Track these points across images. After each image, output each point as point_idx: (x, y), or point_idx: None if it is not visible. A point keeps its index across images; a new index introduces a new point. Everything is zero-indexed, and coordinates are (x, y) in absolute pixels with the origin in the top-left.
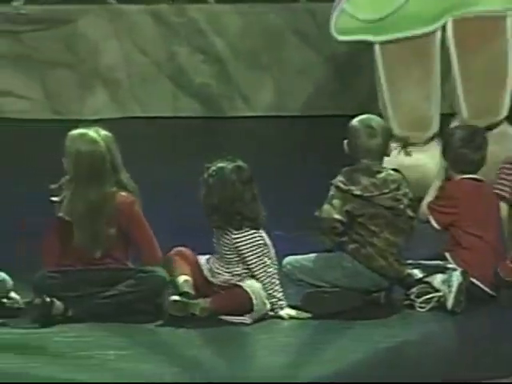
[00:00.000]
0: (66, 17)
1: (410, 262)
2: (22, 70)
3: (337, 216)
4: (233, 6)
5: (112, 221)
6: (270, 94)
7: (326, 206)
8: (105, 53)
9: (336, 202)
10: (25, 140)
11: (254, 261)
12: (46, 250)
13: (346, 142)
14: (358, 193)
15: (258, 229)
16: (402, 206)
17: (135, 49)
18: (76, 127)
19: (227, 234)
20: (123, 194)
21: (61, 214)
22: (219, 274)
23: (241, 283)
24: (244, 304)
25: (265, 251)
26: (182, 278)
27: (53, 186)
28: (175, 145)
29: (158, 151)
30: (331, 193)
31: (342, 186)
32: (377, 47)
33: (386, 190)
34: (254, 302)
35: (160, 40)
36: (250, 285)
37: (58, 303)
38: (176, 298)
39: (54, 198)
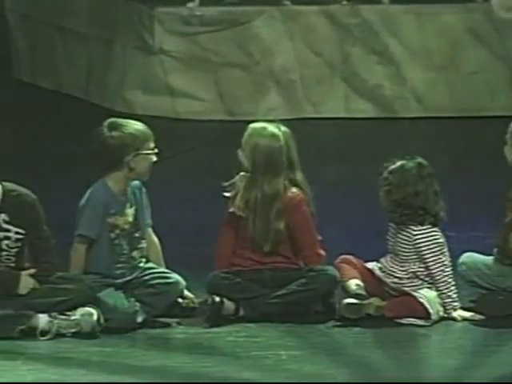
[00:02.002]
0: (241, 18)
1: None
2: (197, 72)
3: None
4: (408, 6)
5: (281, 215)
6: (443, 95)
7: None
8: (279, 54)
9: None
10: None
11: (432, 259)
12: (220, 246)
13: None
14: None
15: (437, 226)
16: None
17: (309, 50)
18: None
19: (407, 231)
20: (294, 190)
21: (232, 210)
22: (393, 273)
23: (415, 293)
24: (419, 313)
25: (443, 250)
26: (352, 282)
27: (226, 183)
28: (347, 146)
29: (331, 152)
30: None
31: None
32: None
33: None
34: (431, 311)
35: (334, 41)
36: (425, 294)
37: (228, 303)
38: (350, 300)
39: (226, 194)
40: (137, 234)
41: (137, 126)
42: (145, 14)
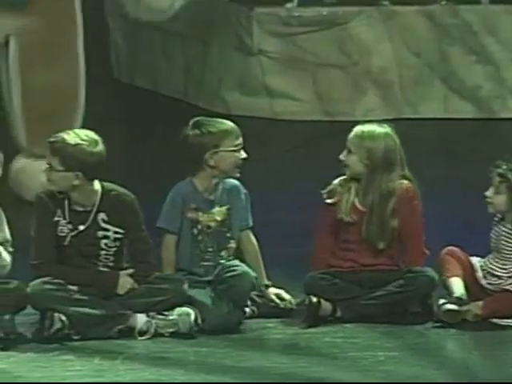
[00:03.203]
0: (339, 19)
1: None
2: (294, 72)
3: None
4: (507, 6)
5: (395, 212)
6: None
7: None
8: (377, 54)
9: None
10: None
11: None
12: (319, 250)
13: None
14: None
15: None
16: None
17: (407, 50)
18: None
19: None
20: (406, 183)
21: (340, 216)
22: (494, 272)
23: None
24: None
25: None
26: (454, 281)
27: (325, 191)
28: (446, 146)
29: (429, 153)
30: None
31: None
32: None
33: None
34: None
35: (432, 41)
36: None
37: (325, 304)
38: (450, 306)
39: (328, 201)
40: (228, 234)
41: (218, 123)
42: (243, 14)
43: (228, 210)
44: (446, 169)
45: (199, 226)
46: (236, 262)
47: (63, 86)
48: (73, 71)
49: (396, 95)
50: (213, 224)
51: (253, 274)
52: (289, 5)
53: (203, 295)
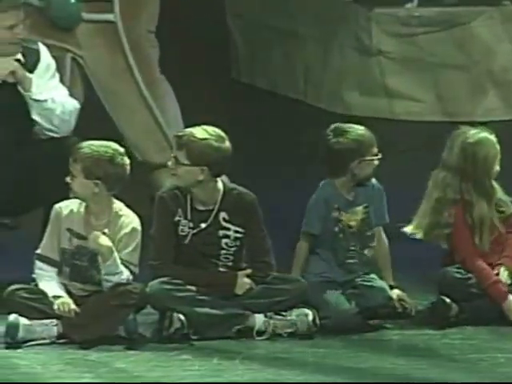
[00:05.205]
0: (460, 19)
1: None
2: (414, 73)
3: None
4: None
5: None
6: None
7: None
8: (497, 54)
9: None
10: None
11: None
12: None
13: None
14: None
15: None
16: None
17: None
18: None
19: None
20: None
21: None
22: None
23: None
24: None
25: None
26: None
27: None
28: None
29: None
30: None
31: None
32: None
33: None
34: None
35: None
36: None
37: (453, 305)
38: None
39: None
40: (368, 233)
41: (361, 131)
42: (362, 14)
43: (366, 208)
44: None
45: (341, 226)
46: (374, 275)
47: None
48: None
49: None
50: (354, 223)
51: (389, 292)
52: (409, 5)
53: (332, 295)
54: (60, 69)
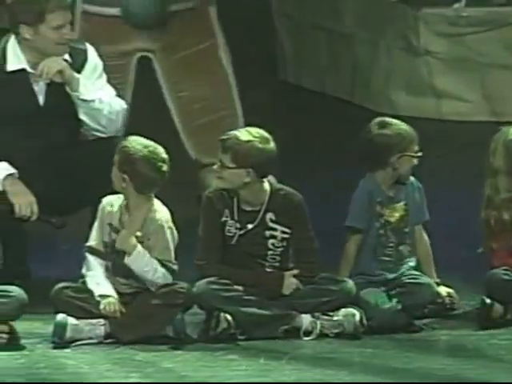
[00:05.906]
0: (508, 19)
1: None
2: (461, 72)
3: None
4: None
5: None
6: None
7: None
8: None
9: None
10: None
11: None
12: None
13: None
14: None
15: None
16: None
17: None
18: None
19: None
20: None
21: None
22: None
23: None
24: None
25: None
26: None
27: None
28: None
29: None
30: None
31: None
32: None
33: None
34: None
35: None
36: None
37: (497, 306)
38: None
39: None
40: (405, 230)
41: (404, 126)
42: (410, 14)
43: (406, 205)
44: None
45: (382, 221)
46: (417, 272)
47: (213, 97)
48: (220, 81)
49: None
50: (393, 219)
51: (435, 287)
52: (457, 5)
53: (373, 294)
54: (125, 71)
